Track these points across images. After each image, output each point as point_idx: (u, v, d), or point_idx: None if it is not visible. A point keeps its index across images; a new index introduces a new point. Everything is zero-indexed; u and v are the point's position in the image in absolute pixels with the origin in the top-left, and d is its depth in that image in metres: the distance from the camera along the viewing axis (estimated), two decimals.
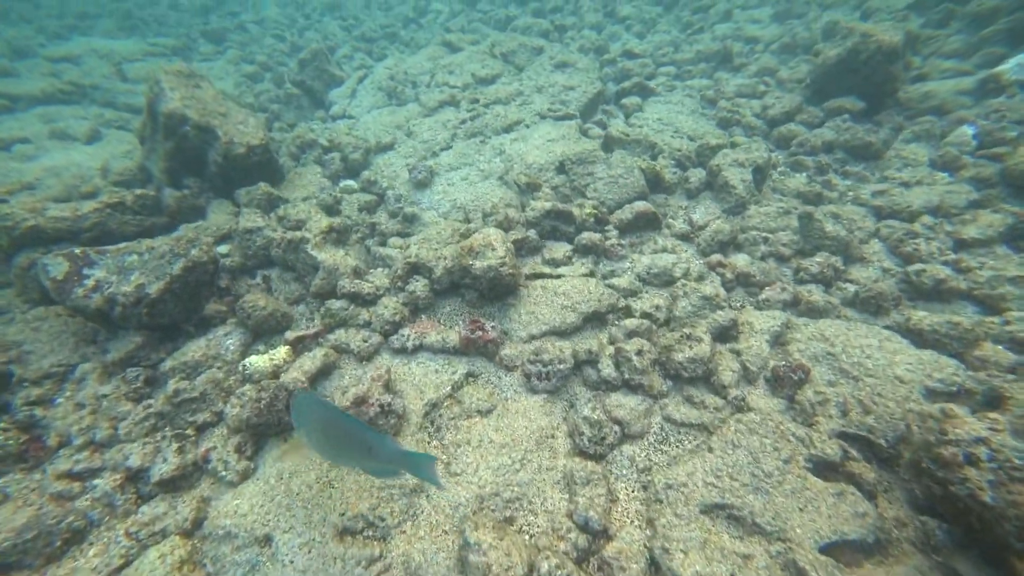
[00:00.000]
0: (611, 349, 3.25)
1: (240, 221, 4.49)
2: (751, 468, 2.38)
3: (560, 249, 4.40)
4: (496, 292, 3.88)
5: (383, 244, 4.69)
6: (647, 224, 4.54)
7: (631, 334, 3.33)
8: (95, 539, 2.52)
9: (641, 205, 4.51)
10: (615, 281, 3.99)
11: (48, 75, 8.31)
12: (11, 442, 2.85)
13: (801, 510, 2.21)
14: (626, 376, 3.03)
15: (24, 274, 3.91)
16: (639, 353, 3.04)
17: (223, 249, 4.72)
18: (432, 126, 6.26)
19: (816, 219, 3.89)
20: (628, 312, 3.63)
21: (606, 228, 4.56)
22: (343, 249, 4.30)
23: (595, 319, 3.64)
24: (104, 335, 3.75)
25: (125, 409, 3.14)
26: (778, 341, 3.21)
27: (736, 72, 6.91)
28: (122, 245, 3.63)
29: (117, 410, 3.12)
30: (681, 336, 3.10)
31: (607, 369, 3.12)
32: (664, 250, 4.23)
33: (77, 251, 3.56)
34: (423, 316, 3.97)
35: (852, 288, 3.52)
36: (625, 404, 2.90)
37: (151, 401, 3.16)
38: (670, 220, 4.63)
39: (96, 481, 2.76)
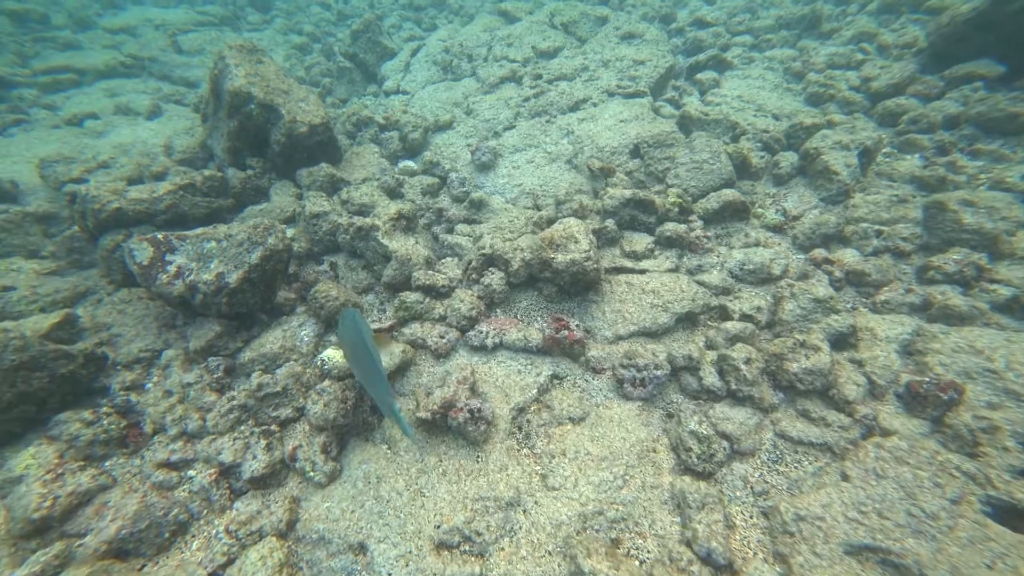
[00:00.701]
0: (713, 355, 3.00)
1: (306, 205, 4.38)
2: (906, 506, 2.13)
3: (641, 241, 4.11)
4: (577, 287, 3.65)
5: (450, 231, 4.50)
6: (735, 214, 4.18)
7: (733, 339, 3.07)
8: (196, 532, 2.52)
9: (730, 193, 4.14)
10: (705, 278, 3.69)
11: (109, 47, 8.34)
12: (113, 426, 2.87)
13: (990, 568, 1.94)
14: (733, 386, 2.79)
15: (109, 256, 3.92)
16: (748, 361, 2.78)
17: (289, 233, 4.65)
18: (493, 104, 5.95)
19: (950, 208, 3.43)
20: (725, 313, 3.35)
21: (690, 218, 4.23)
22: (412, 237, 4.14)
23: (688, 320, 3.38)
24: (182, 320, 3.75)
25: (210, 399, 3.12)
26: (909, 351, 2.88)
27: (826, 39, 6.21)
28: (200, 231, 3.57)
29: (203, 400, 3.11)
30: (794, 344, 2.82)
31: (710, 377, 2.88)
32: (757, 244, 3.87)
33: (160, 236, 3.51)
34: (498, 311, 3.80)
35: (1005, 291, 3.05)
36: (733, 417, 2.67)
37: (234, 393, 3.12)
38: (759, 209, 4.25)
39: (191, 472, 2.76)
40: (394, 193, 5.05)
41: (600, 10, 7.29)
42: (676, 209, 4.15)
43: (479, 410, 2.78)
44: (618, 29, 6.89)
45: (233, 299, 3.34)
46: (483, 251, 3.87)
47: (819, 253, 3.53)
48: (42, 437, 2.83)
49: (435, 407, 2.81)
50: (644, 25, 6.92)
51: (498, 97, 6.03)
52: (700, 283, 3.63)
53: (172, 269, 3.42)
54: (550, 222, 4.46)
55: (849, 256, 3.52)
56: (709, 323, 3.40)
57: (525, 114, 5.74)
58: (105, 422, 2.84)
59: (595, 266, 3.54)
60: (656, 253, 4.04)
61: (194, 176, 4.43)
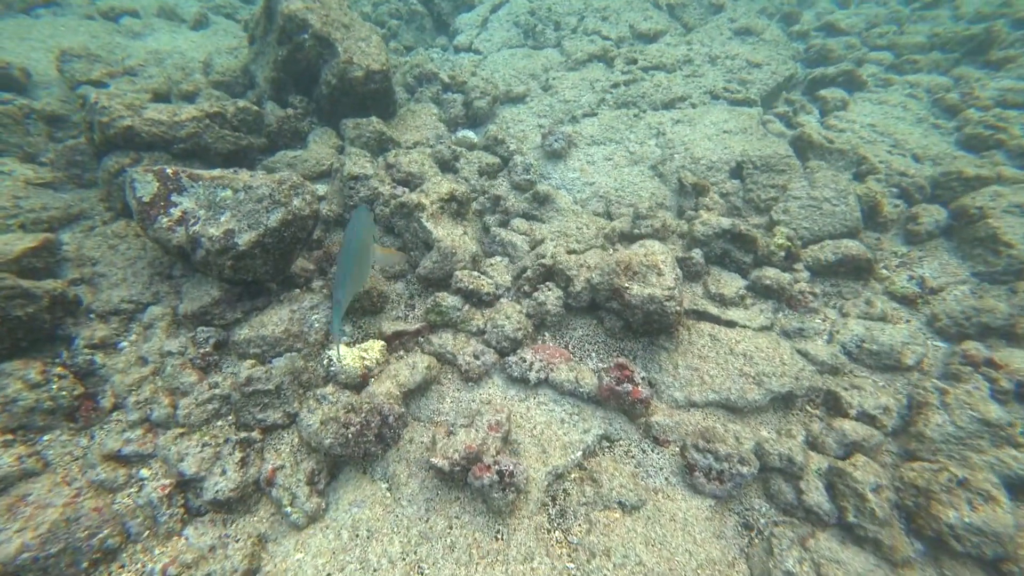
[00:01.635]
0: (820, 462, 2.34)
1: (346, 163, 3.79)
2: None
3: (731, 283, 3.42)
4: (649, 328, 3.01)
5: (505, 224, 3.87)
6: (853, 271, 3.44)
7: (851, 446, 2.40)
8: (128, 561, 2.01)
9: (852, 246, 3.40)
10: (809, 347, 3.01)
11: None
12: (64, 394, 2.38)
13: None
14: (851, 518, 2.14)
15: (111, 179, 3.42)
16: (877, 490, 2.12)
17: (319, 189, 4.09)
18: (576, 84, 5.22)
19: None
20: (836, 403, 2.67)
21: (794, 266, 3.51)
22: (461, 225, 3.53)
23: (786, 401, 2.72)
24: (180, 270, 3.24)
25: (189, 380, 2.60)
26: None
27: (994, 69, 5.23)
28: (217, 173, 3.01)
29: (180, 380, 2.59)
30: (949, 480, 2.14)
31: (815, 494, 2.24)
32: (882, 317, 3.15)
33: (169, 171, 2.97)
34: (547, 334, 3.19)
35: None
36: (848, 563, 2.03)
37: (217, 379, 2.60)
38: (884, 270, 3.50)
39: (144, 473, 2.25)
40: (447, 166, 4.43)
41: None
42: (782, 253, 3.43)
43: (511, 473, 2.19)
44: (733, 21, 6.03)
45: (239, 264, 2.80)
46: (542, 260, 3.24)
47: (977, 349, 2.79)
48: None
49: (456, 457, 2.23)
50: (763, 21, 6.03)
51: (583, 77, 5.30)
52: (802, 353, 2.94)
53: (176, 213, 2.88)
54: (624, 237, 3.80)
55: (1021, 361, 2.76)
56: (809, 409, 2.73)
57: (611, 102, 5.00)
58: (55, 386, 2.35)
59: (677, 308, 2.88)
60: (748, 302, 3.35)
61: (226, 105, 3.87)
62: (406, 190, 3.76)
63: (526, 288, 3.22)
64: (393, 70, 5.49)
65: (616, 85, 5.08)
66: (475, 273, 3.19)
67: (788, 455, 2.33)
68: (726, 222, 3.51)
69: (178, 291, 3.13)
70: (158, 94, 4.44)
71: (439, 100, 5.42)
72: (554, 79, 5.33)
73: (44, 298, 2.59)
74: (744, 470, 2.29)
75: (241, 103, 3.97)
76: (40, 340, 2.65)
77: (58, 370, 2.44)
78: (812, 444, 2.50)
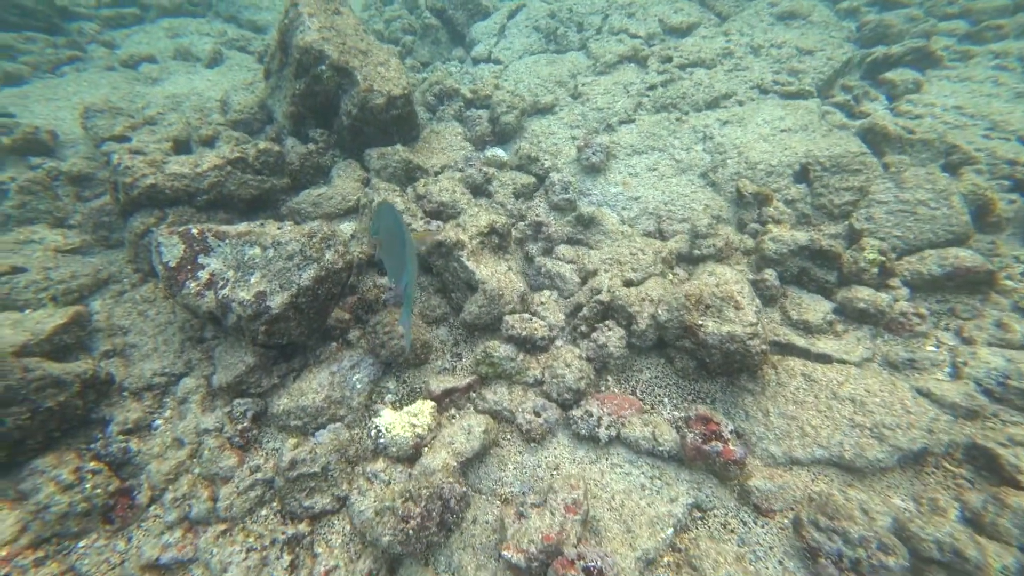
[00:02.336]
0: (1002, 555, 1.95)
1: (374, 199, 3.58)
2: None
3: (815, 307, 3.04)
4: (728, 368, 2.67)
5: (549, 252, 3.58)
6: (966, 285, 3.01)
7: None
8: None
9: (965, 256, 2.97)
10: (928, 385, 2.61)
11: None
12: (99, 491, 2.22)
13: None
14: None
15: (137, 240, 3.30)
16: None
17: (346, 227, 3.90)
18: (609, 89, 4.89)
19: None
20: (993, 464, 2.26)
21: (889, 282, 3.10)
22: (504, 261, 3.26)
23: (918, 461, 2.34)
24: (212, 332, 3.07)
25: (229, 464, 2.41)
26: None
27: None
28: (243, 228, 2.83)
29: (219, 464, 2.40)
30: None
31: None
32: (1018, 345, 2.71)
33: (195, 230, 2.81)
34: (610, 379, 2.88)
35: None
36: None
37: (259, 462, 2.40)
38: (1006, 280, 3.06)
39: None
40: (480, 190, 4.18)
41: None
42: (875, 269, 3.03)
43: (599, 571, 1.90)
44: (773, 5, 5.59)
45: (273, 328, 2.60)
46: (598, 296, 2.94)
47: None
48: (9, 488, 2.21)
49: (532, 550, 1.95)
50: (809, 1, 5.57)
51: (615, 81, 4.97)
52: (923, 393, 2.55)
53: (204, 276, 2.71)
54: (683, 259, 3.47)
55: None
56: (949, 466, 2.33)
57: (648, 106, 4.66)
58: (88, 485, 2.18)
59: (762, 347, 2.54)
60: (839, 329, 2.96)
61: (246, 149, 3.72)
62: (440, 224, 3.52)
63: (583, 328, 2.93)
64: (412, 89, 5.29)
65: (652, 87, 4.73)
66: (526, 316, 2.91)
67: (952, 544, 1.95)
68: (802, 237, 3.13)
69: (210, 356, 2.97)
70: (178, 142, 4.34)
71: (462, 118, 5.19)
72: (584, 85, 5.02)
73: (75, 384, 2.44)
74: (891, 562, 1.92)
75: (262, 144, 3.81)
76: (74, 427, 2.50)
77: (92, 465, 2.28)
78: (976, 525, 2.09)
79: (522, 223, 3.76)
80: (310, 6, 4.18)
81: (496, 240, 3.25)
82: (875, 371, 2.65)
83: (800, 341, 2.85)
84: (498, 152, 4.69)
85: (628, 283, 3.13)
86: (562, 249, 3.53)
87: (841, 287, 3.10)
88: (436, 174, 4.38)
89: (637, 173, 4.16)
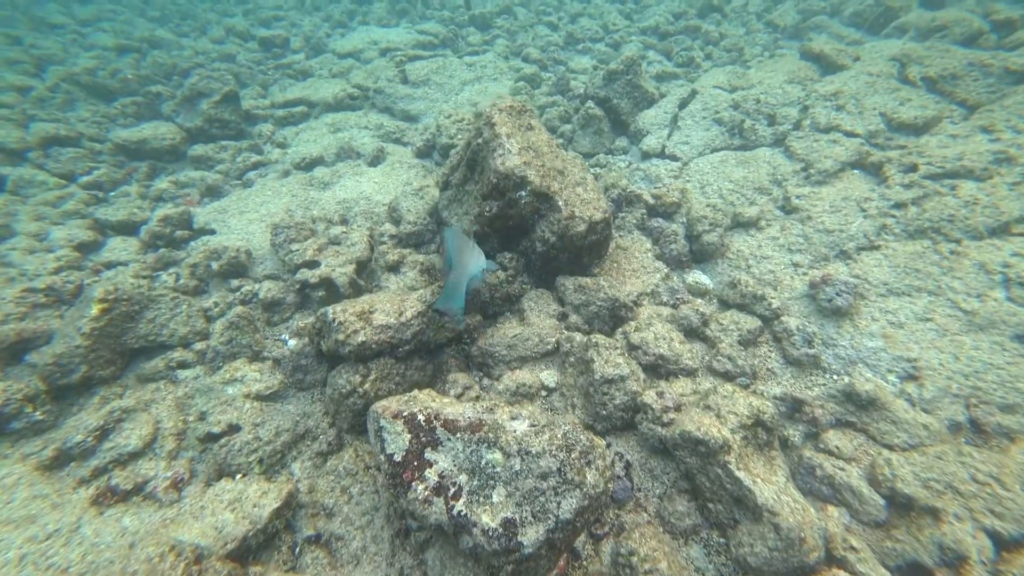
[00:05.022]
0: None
1: (595, 361, 3.21)
2: None
3: None
4: None
5: (812, 437, 2.97)
6: None
7: None
8: None
9: None
10: None
11: (337, 76, 8.54)
12: None
13: None
14: None
15: (342, 400, 3.18)
16: None
17: (547, 377, 3.58)
18: (836, 204, 4.28)
19: None
20: None
21: None
22: (773, 464, 2.69)
23: None
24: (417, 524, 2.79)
25: None
26: None
27: None
28: (474, 418, 2.56)
29: None
30: None
31: None
32: None
33: (421, 417, 2.59)
34: None
35: None
36: None
37: None
38: None
39: None
40: (695, 333, 3.72)
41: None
42: None
43: None
44: None
45: (521, 567, 2.22)
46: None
47: None
48: None
49: None
50: None
51: (842, 194, 4.35)
52: None
53: (432, 477, 2.45)
54: None
55: None
56: None
57: (897, 230, 3.96)
58: None
59: None
60: None
61: None
62: (670, 395, 3.05)
63: None
64: (613, 213, 5.04)
65: (901, 205, 4.04)
66: None
67: None
68: None
69: (422, 562, 2.67)
70: (360, 263, 4.37)
71: (645, 227, 4.83)
72: (800, 198, 4.45)
73: None
74: None
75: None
76: None
77: None
78: None
79: (775, 400, 3.19)
80: (507, 125, 4.09)
81: (763, 436, 2.71)
82: None
83: None
84: (701, 278, 4.23)
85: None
86: (834, 439, 2.90)
87: None
88: (633, 304, 3.99)
89: (901, 323, 3.46)
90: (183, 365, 3.71)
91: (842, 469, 2.62)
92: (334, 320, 3.17)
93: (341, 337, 3.13)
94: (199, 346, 3.84)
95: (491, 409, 2.68)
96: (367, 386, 3.18)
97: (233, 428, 3.13)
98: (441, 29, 10.31)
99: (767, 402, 2.75)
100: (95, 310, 3.29)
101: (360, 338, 3.15)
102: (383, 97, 7.81)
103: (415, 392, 2.97)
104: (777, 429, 2.76)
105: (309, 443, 3.30)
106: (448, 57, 8.88)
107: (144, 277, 4.25)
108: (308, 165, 6.15)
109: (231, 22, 10.75)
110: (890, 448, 2.77)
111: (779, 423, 2.79)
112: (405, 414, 2.65)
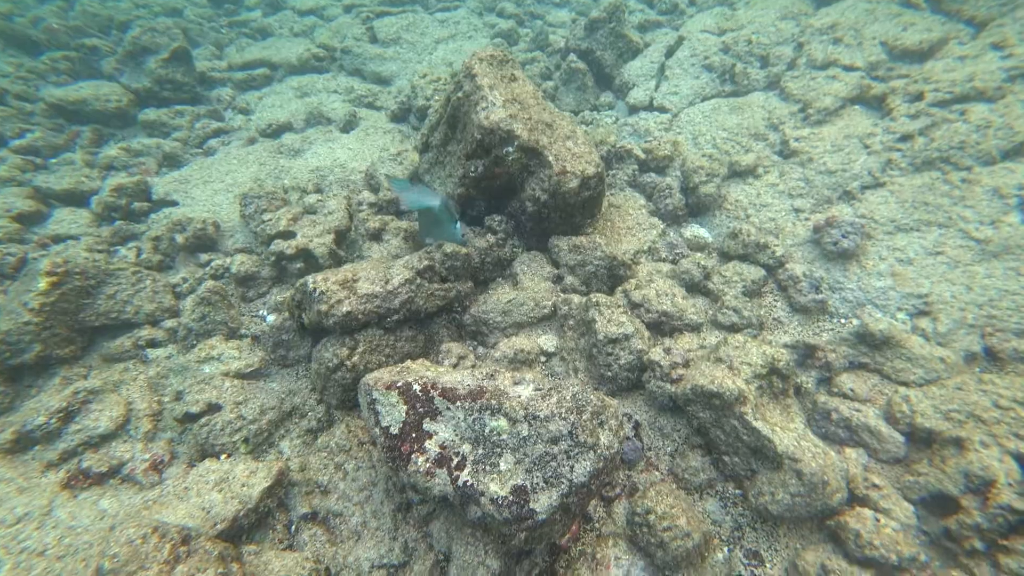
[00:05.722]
0: None
1: (596, 320, 3.07)
2: None
3: None
4: None
5: (825, 383, 2.90)
6: None
7: None
8: None
9: None
10: None
11: (300, 35, 8.04)
12: None
13: None
14: None
15: (329, 374, 3.00)
16: None
17: (545, 341, 3.44)
18: (837, 143, 4.15)
19: None
20: None
21: None
22: (790, 412, 2.61)
23: None
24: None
25: None
26: None
27: None
28: (474, 386, 2.41)
29: None
30: None
31: None
32: None
33: (416, 387, 2.44)
34: None
35: None
36: None
37: None
38: None
39: None
40: (697, 288, 3.60)
41: None
42: None
43: None
44: None
45: (535, 534, 2.11)
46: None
47: None
48: None
49: None
50: None
51: (843, 132, 4.21)
52: None
53: (433, 448, 2.33)
54: None
55: None
56: None
57: (904, 164, 3.86)
58: None
59: None
60: None
61: (433, 255, 3.38)
62: (677, 351, 2.93)
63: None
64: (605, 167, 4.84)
65: (907, 137, 3.92)
66: (875, 517, 2.24)
67: None
68: None
69: (426, 535, 2.56)
70: (339, 233, 4.13)
71: (637, 183, 4.66)
72: (798, 140, 4.30)
73: None
74: None
75: (448, 248, 3.45)
76: None
77: None
78: None
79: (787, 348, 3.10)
80: (489, 76, 3.82)
81: (779, 384, 2.62)
82: None
83: None
84: (700, 232, 4.10)
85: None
86: (848, 382, 2.83)
87: None
88: (631, 262, 3.85)
89: (910, 259, 3.38)
90: (153, 344, 3.47)
91: (858, 410, 2.56)
92: (315, 290, 2.96)
93: (324, 308, 2.93)
94: (169, 324, 3.60)
95: (491, 375, 2.53)
96: (355, 359, 3.00)
97: (213, 407, 2.93)
98: None
99: (781, 349, 2.64)
100: (43, 284, 3.01)
101: (345, 308, 2.95)
102: (351, 58, 7.37)
103: (408, 363, 2.81)
104: (792, 376, 2.67)
105: (297, 420, 3.13)
106: (418, 13, 8.40)
107: (99, 251, 3.94)
108: (276, 132, 5.79)
109: None
110: (906, 385, 2.71)
111: (794, 370, 2.69)
112: (399, 384, 2.49)
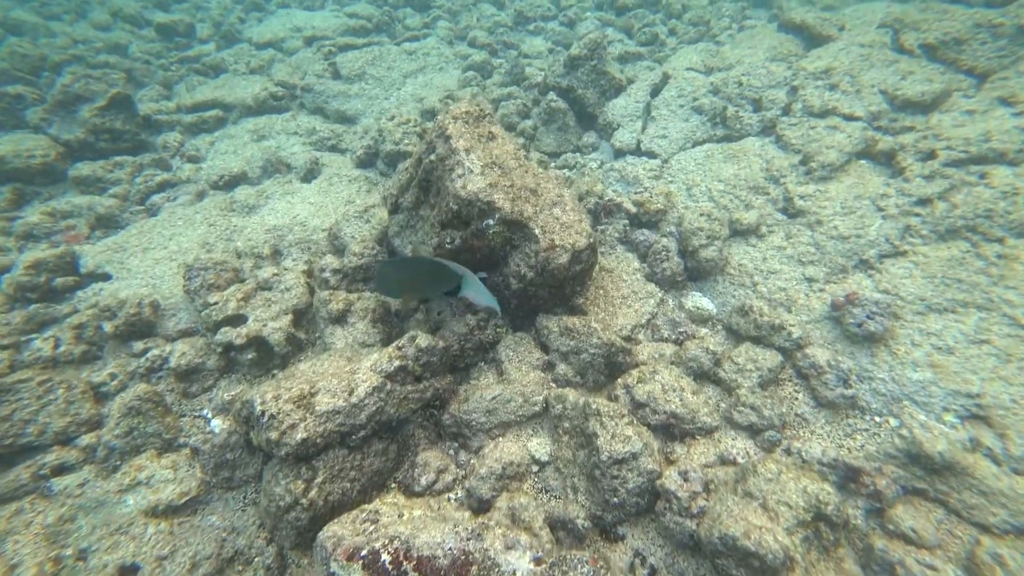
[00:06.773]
0: None
1: (599, 437, 2.65)
2: None
3: None
4: None
5: (885, 527, 2.52)
6: None
7: None
8: None
9: None
10: None
11: (257, 71, 7.54)
12: None
13: None
14: None
15: (282, 515, 2.50)
16: None
17: (535, 446, 3.00)
18: (848, 204, 3.86)
19: None
20: None
21: None
22: (847, 570, 2.21)
23: None
24: None
25: None
26: None
27: None
28: (458, 551, 1.95)
29: None
30: None
31: None
32: None
33: (385, 557, 1.98)
34: None
35: None
36: None
37: None
38: None
39: None
40: (706, 376, 3.22)
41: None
42: None
43: None
44: None
45: None
46: None
47: None
48: None
49: None
50: None
51: (853, 191, 3.93)
52: None
53: None
54: None
55: None
56: None
57: (924, 230, 3.58)
58: None
59: None
60: None
61: (406, 351, 2.93)
62: (695, 475, 2.53)
63: None
64: (598, 237, 4.45)
65: (925, 201, 3.65)
66: None
67: None
68: None
69: None
70: (298, 312, 3.65)
71: (629, 240, 4.30)
72: (803, 197, 4.01)
73: None
74: None
75: (423, 342, 3.01)
76: None
77: None
78: None
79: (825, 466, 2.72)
80: (464, 137, 3.43)
81: (829, 536, 2.22)
82: None
83: None
84: (702, 303, 3.74)
85: None
86: (907, 518, 2.43)
87: None
88: (629, 342, 3.47)
89: (950, 348, 3.06)
90: (62, 469, 2.91)
91: (931, 567, 2.16)
92: (263, 414, 2.46)
93: (274, 436, 2.44)
94: (87, 440, 3.04)
95: (479, 534, 2.08)
96: (312, 494, 2.51)
97: (127, 572, 2.39)
98: (374, 11, 9.33)
99: (826, 486, 2.25)
100: None
101: (299, 435, 2.46)
102: (313, 96, 6.91)
103: (376, 503, 2.35)
104: (843, 523, 2.27)
105: (240, 570, 2.60)
106: (384, 45, 8.00)
107: (4, 348, 3.36)
108: (228, 183, 5.27)
109: (118, 3, 9.32)
110: (986, 529, 2.34)
111: (844, 512, 2.30)
112: (364, 553, 2.02)
